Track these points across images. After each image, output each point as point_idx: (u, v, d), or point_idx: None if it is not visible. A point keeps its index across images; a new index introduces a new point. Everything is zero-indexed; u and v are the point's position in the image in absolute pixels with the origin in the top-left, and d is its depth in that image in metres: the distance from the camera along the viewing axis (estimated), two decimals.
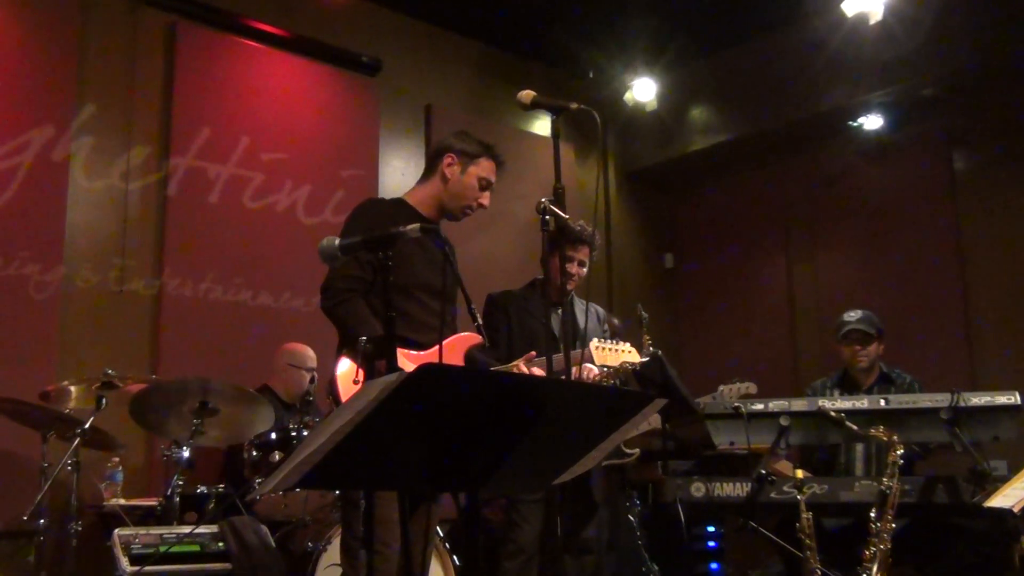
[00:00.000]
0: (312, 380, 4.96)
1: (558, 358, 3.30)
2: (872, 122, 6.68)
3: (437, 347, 3.14)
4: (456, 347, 3.21)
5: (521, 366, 3.36)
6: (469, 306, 2.93)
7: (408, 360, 3.02)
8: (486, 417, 1.52)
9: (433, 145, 3.47)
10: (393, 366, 2.04)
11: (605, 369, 3.98)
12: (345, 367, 3.00)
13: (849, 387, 4.79)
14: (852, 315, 4.82)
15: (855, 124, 6.72)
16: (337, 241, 2.25)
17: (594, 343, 3.75)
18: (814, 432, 3.94)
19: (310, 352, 5.09)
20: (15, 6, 5.03)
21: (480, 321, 3.14)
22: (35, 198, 4.92)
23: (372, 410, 1.36)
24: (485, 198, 3.42)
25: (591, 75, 7.41)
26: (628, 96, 7.23)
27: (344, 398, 2.93)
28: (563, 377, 3.23)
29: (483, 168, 3.40)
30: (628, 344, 3.89)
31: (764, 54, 6.91)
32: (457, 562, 4.17)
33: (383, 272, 2.17)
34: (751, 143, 7.25)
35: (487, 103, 7.04)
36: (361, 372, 2.10)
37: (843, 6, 5.98)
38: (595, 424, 1.72)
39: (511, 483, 1.95)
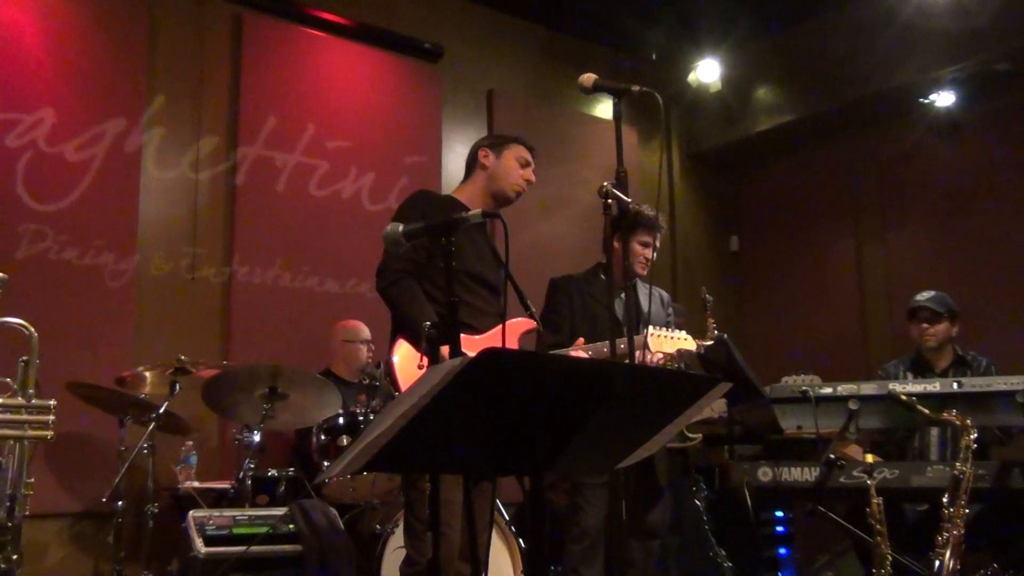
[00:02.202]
0: (369, 351, 5.09)
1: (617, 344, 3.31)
2: (944, 99, 6.48)
3: (493, 330, 3.26)
4: (511, 332, 3.24)
5: (572, 355, 3.39)
6: (521, 297, 2.99)
7: (466, 346, 3.06)
8: (549, 401, 1.53)
9: (468, 153, 3.59)
10: (457, 351, 2.06)
11: (668, 354, 3.96)
12: (402, 350, 3.04)
13: (922, 369, 4.70)
14: (923, 295, 4.74)
15: (926, 101, 6.53)
16: (401, 227, 2.27)
17: (650, 330, 3.72)
18: (884, 416, 3.86)
19: (362, 326, 5.21)
20: (86, 3, 5.15)
21: (533, 309, 3.20)
22: (109, 189, 5.05)
23: (437, 394, 1.38)
24: (529, 174, 3.54)
25: (654, 57, 7.35)
26: (692, 77, 7.16)
27: (403, 382, 2.97)
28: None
29: (516, 150, 3.54)
30: (684, 332, 3.86)
31: (831, 31, 6.76)
32: (523, 545, 4.20)
33: (445, 258, 2.19)
34: (818, 122, 7.11)
35: (549, 87, 7.02)
36: (424, 357, 2.12)
37: None
38: (659, 408, 1.72)
39: (575, 466, 1.96)
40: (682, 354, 3.93)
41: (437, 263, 3.15)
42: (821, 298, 7.30)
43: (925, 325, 4.65)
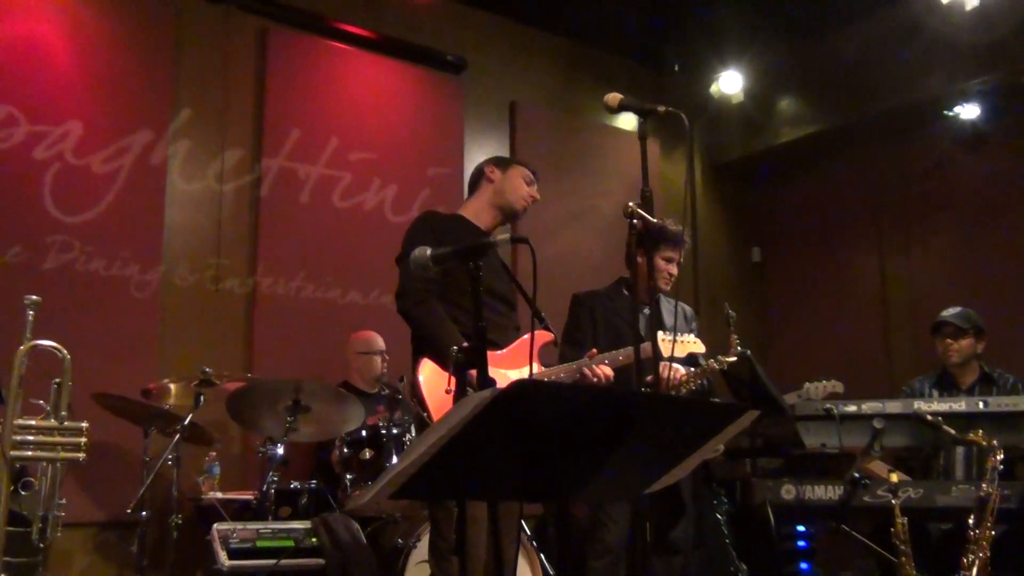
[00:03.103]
0: (384, 361, 5.12)
1: (627, 352, 3.41)
2: (969, 111, 6.44)
3: (514, 344, 3.34)
4: (528, 347, 3.26)
5: (585, 371, 3.42)
6: (535, 309, 3.01)
7: (490, 360, 3.08)
8: (577, 431, 1.53)
9: (472, 173, 3.74)
10: (484, 376, 2.07)
11: (692, 369, 3.96)
12: (427, 370, 3.06)
13: (947, 386, 4.67)
14: (949, 311, 4.72)
15: (951, 113, 6.49)
16: (429, 251, 2.29)
17: (660, 335, 3.69)
18: (909, 435, 3.86)
19: (376, 336, 5.23)
20: (113, 18, 5.19)
21: (547, 321, 3.22)
22: (135, 200, 5.10)
23: (465, 425, 1.38)
24: (534, 191, 3.62)
25: (677, 69, 7.34)
26: (714, 89, 7.15)
27: (429, 400, 2.98)
28: (647, 377, 3.25)
29: (521, 171, 3.63)
30: (692, 335, 3.84)
31: (854, 42, 6.73)
32: (544, 560, 4.19)
33: (473, 282, 2.20)
34: (841, 134, 7.08)
35: (572, 99, 7.03)
36: (452, 381, 2.13)
37: None
38: (686, 437, 1.72)
39: (601, 493, 1.96)
40: (706, 371, 3.92)
41: (454, 282, 3.18)
42: (844, 310, 7.26)
43: (949, 341, 4.63)
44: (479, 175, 3.65)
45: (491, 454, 1.52)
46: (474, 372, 2.06)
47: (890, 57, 6.47)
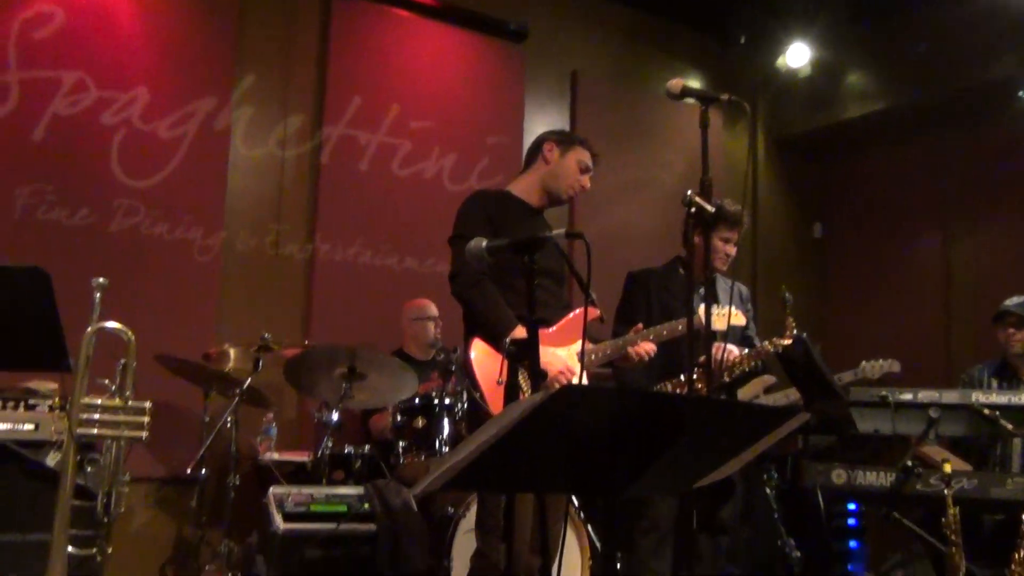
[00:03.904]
0: (437, 327, 5.20)
1: (671, 326, 3.43)
2: None
3: (562, 322, 3.33)
4: (576, 325, 3.28)
5: (628, 350, 3.39)
6: (583, 286, 3.02)
7: (540, 338, 3.11)
8: (626, 432, 1.55)
9: (532, 143, 3.65)
10: (536, 370, 2.09)
11: (746, 351, 3.94)
12: (479, 351, 3.09)
13: (1008, 376, 4.60)
14: (1013, 300, 4.64)
15: (1022, 96, 6.31)
16: (485, 243, 2.31)
17: (701, 308, 3.65)
18: (965, 424, 3.79)
19: (429, 303, 5.29)
20: None
21: (594, 296, 3.21)
22: (198, 166, 5.19)
23: (515, 426, 1.41)
24: (586, 180, 3.56)
25: (743, 40, 7.20)
26: (780, 61, 7.02)
27: (481, 379, 3.01)
28: (699, 358, 3.24)
29: (580, 153, 3.55)
30: (733, 307, 3.78)
31: (926, 20, 6.55)
32: (592, 532, 4.23)
33: (527, 276, 2.22)
34: (909, 112, 6.91)
35: (633, 69, 6.95)
36: (505, 372, 2.16)
37: None
38: (736, 438, 1.73)
39: (649, 488, 1.98)
40: (760, 352, 3.90)
41: (506, 262, 3.19)
42: (905, 291, 7.14)
43: (1012, 330, 4.55)
44: (537, 150, 3.58)
45: (539, 453, 1.54)
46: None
47: (964, 36, 6.30)
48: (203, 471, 4.45)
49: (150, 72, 5.08)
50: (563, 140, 3.57)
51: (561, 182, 3.51)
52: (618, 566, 4.48)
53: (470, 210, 3.39)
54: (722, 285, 4.22)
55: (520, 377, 2.30)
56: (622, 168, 6.38)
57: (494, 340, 2.97)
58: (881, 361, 4.79)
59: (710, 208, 2.69)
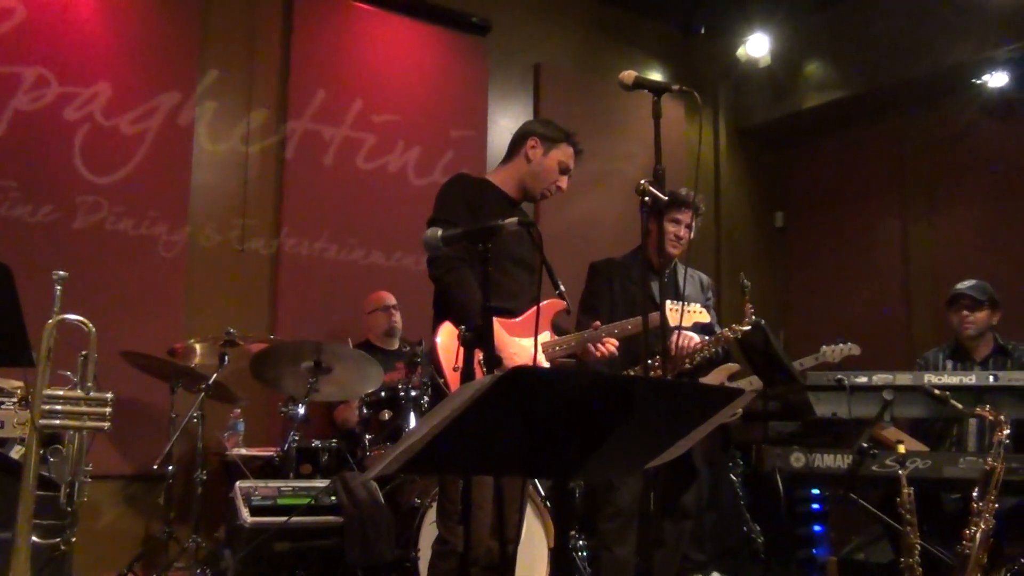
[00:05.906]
0: (395, 315, 5.28)
1: (634, 322, 3.37)
2: (997, 79, 6.37)
3: (528, 313, 3.28)
4: (544, 314, 3.28)
5: (589, 346, 3.37)
6: (552, 277, 3.04)
7: (504, 329, 3.14)
8: (576, 413, 1.60)
9: (517, 131, 3.57)
10: (491, 355, 2.14)
11: (707, 338, 4.01)
12: (445, 335, 3.10)
13: (961, 357, 4.69)
14: (964, 283, 4.72)
15: (978, 81, 6.43)
16: (440, 232, 2.34)
17: (669, 304, 3.68)
18: (920, 406, 3.87)
19: (384, 294, 5.36)
20: None
21: (563, 289, 3.24)
22: (162, 161, 5.18)
23: (466, 408, 1.45)
24: (563, 182, 3.53)
25: (703, 31, 7.28)
26: (741, 52, 7.09)
27: (445, 368, 3.04)
28: (661, 345, 3.28)
29: (563, 152, 3.51)
30: (698, 305, 3.83)
31: (883, 7, 6.66)
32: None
33: (482, 264, 2.25)
34: (868, 100, 7.02)
35: (596, 61, 7.00)
36: (460, 358, 2.20)
37: None
38: (684, 417, 1.78)
39: (603, 469, 2.03)
40: (720, 339, 3.97)
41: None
42: (866, 277, 7.26)
43: (965, 313, 4.64)
44: (521, 143, 3.51)
45: (493, 435, 1.59)
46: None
47: (920, 23, 6.41)
48: (170, 467, 4.44)
49: (112, 67, 5.07)
50: (548, 138, 3.49)
51: (539, 183, 3.47)
52: (579, 545, 4.55)
53: (450, 195, 3.34)
54: (682, 272, 4.28)
55: (476, 363, 2.33)
56: (586, 160, 6.30)
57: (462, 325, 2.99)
58: (841, 345, 4.87)
59: (663, 197, 2.74)
